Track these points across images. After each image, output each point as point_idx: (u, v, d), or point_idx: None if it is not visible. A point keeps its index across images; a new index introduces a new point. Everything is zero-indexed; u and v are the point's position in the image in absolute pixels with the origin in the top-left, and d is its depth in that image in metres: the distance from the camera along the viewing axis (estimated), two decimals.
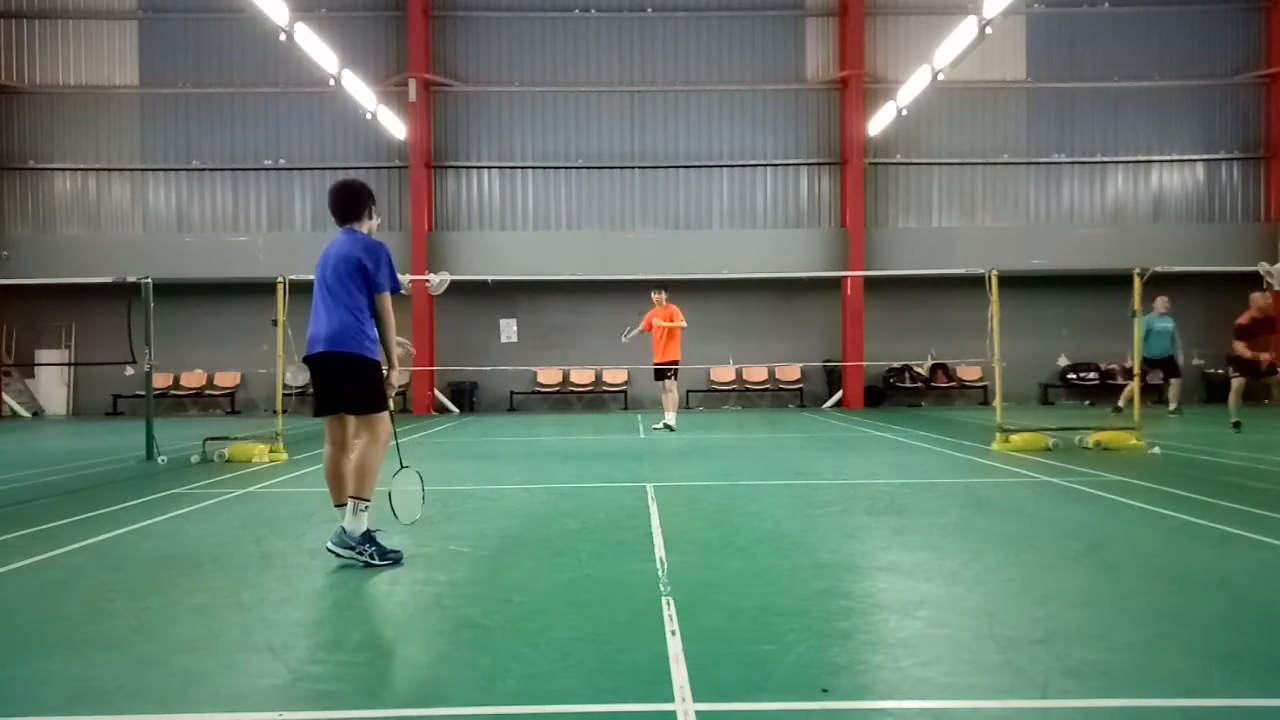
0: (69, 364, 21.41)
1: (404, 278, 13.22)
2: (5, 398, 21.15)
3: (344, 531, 4.65)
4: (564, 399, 22.05)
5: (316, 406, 4.94)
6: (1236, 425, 12.54)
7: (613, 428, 15.26)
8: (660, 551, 4.92)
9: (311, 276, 5.01)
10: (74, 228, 21.73)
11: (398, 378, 5.03)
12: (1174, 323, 15.14)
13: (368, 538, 4.64)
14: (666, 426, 13.38)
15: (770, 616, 3.66)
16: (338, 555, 4.62)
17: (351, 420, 4.89)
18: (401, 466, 5.12)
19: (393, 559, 4.63)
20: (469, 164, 21.79)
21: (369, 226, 5.08)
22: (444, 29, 21.53)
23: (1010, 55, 21.53)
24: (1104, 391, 21.45)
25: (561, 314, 21.74)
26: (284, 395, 10.99)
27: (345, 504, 4.77)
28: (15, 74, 21.55)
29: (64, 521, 6.11)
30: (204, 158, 21.70)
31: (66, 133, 21.66)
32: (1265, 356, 12.69)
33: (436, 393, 21.16)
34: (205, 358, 21.51)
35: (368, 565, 4.57)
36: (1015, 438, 10.15)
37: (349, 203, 5.04)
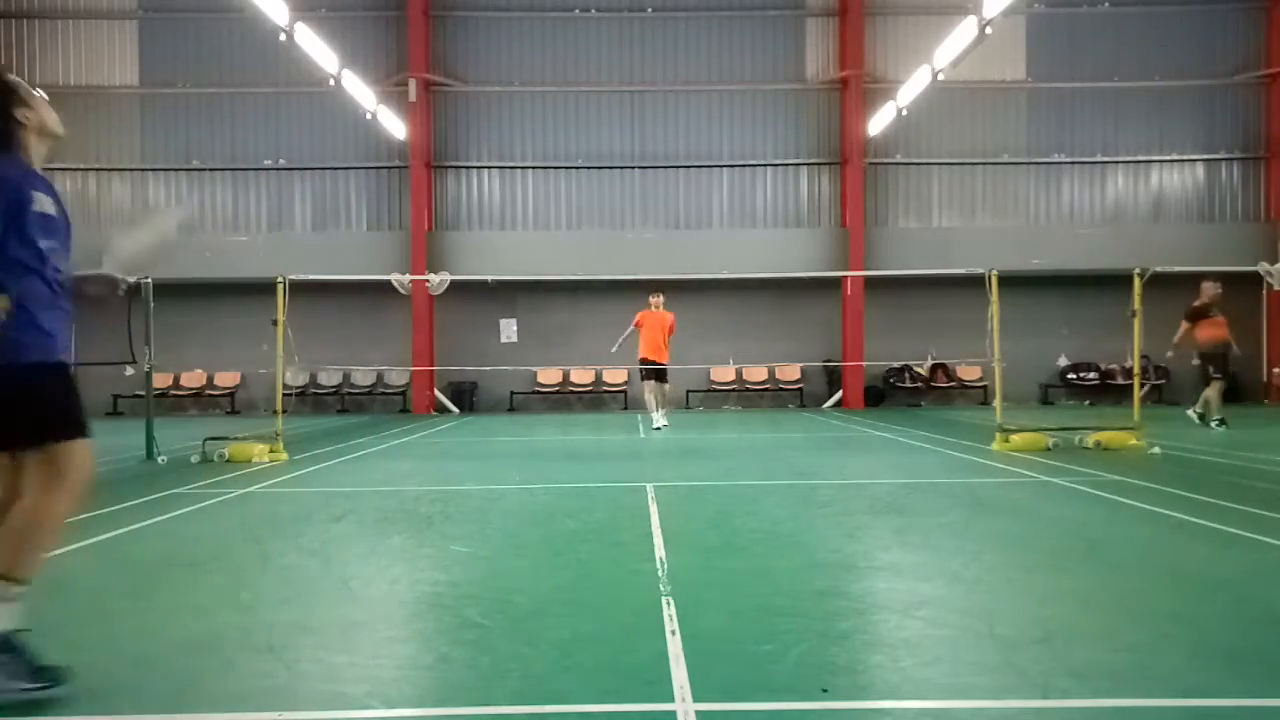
0: (69, 364, 21.38)
1: (404, 278, 13.27)
2: None
3: None
4: (564, 399, 22.05)
5: None
6: (1221, 421, 12.83)
7: (613, 428, 15.26)
8: (660, 551, 4.91)
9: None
10: (74, 228, 21.68)
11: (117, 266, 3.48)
12: None
13: (6, 644, 2.79)
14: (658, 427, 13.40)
15: (770, 616, 3.66)
16: None
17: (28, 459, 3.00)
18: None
19: (45, 683, 2.80)
20: (469, 164, 21.79)
21: (24, 138, 3.24)
22: (444, 29, 21.53)
23: (1010, 55, 21.52)
24: (1104, 392, 21.47)
25: (561, 314, 21.73)
26: (284, 395, 10.97)
27: None
28: (15, 74, 21.46)
29: None
30: (204, 158, 21.70)
31: (66, 132, 21.61)
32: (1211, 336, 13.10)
33: (436, 393, 21.15)
34: (205, 358, 21.50)
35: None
36: (1015, 438, 10.14)
37: None
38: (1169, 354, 13.43)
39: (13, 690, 2.75)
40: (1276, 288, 12.05)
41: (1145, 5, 21.57)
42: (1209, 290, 13.24)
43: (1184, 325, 13.24)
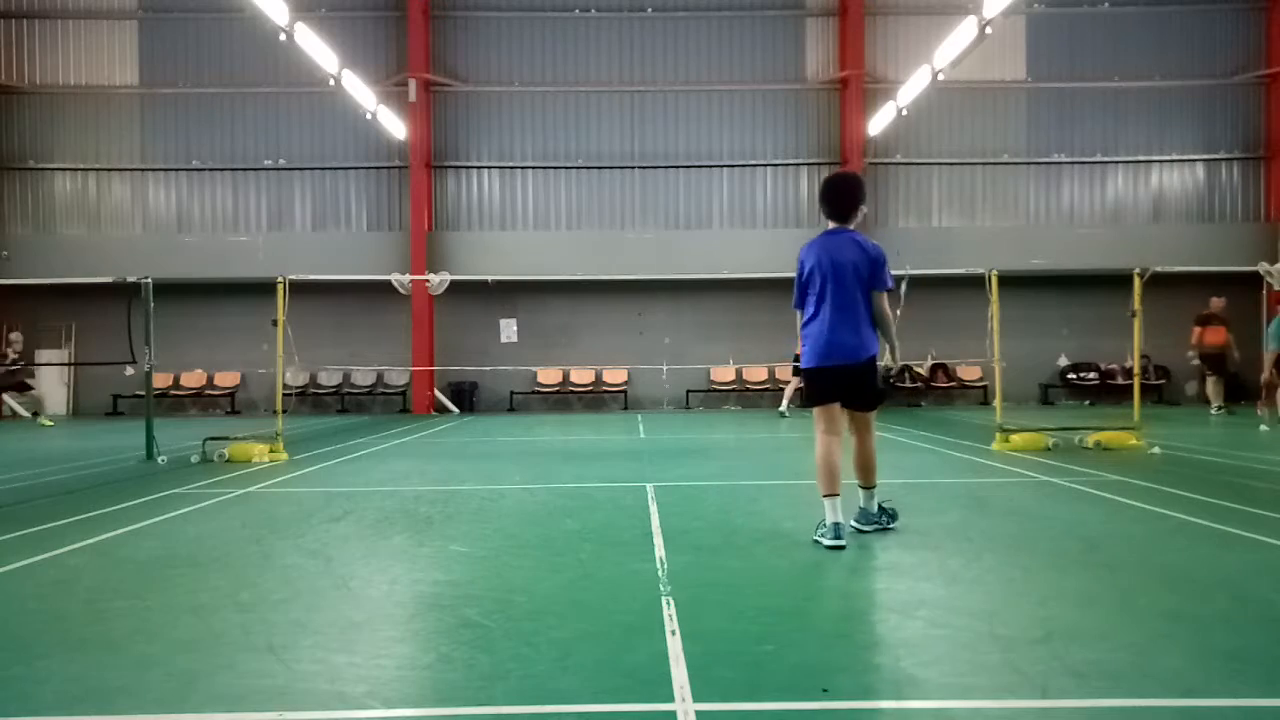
0: (69, 364, 21.41)
1: (404, 278, 13.27)
2: (5, 398, 21.14)
3: (862, 511, 5.41)
4: (564, 399, 22.05)
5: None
6: (1222, 409, 15.19)
7: (613, 428, 15.25)
8: (660, 551, 4.91)
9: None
10: (74, 228, 21.73)
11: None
12: None
13: (880, 509, 5.47)
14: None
15: (770, 616, 3.66)
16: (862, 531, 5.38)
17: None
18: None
19: (892, 522, 5.47)
20: (469, 164, 21.79)
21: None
22: (444, 29, 21.53)
23: (1010, 55, 21.53)
24: (1104, 392, 21.47)
25: (561, 314, 21.74)
26: (284, 395, 10.96)
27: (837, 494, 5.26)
28: (15, 74, 21.55)
29: (64, 521, 6.10)
30: (204, 158, 21.71)
31: (66, 133, 21.66)
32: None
33: (436, 393, 21.15)
34: (205, 358, 21.51)
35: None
36: (1015, 438, 10.15)
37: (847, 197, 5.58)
38: (1190, 354, 16.09)
39: (887, 527, 5.41)
40: (1276, 288, 12.07)
41: (1145, 5, 21.58)
42: (1216, 304, 16.00)
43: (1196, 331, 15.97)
